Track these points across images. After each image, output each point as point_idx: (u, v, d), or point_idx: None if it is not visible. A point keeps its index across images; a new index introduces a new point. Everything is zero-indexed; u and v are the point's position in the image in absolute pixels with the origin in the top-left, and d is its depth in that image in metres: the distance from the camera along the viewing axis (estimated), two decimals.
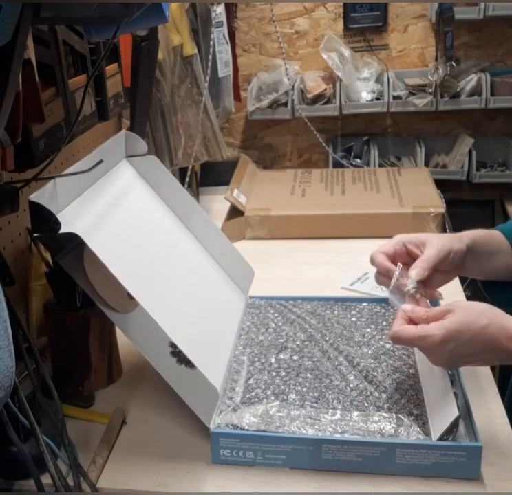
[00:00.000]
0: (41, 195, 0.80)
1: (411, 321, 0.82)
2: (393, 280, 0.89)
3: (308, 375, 0.93)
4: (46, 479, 0.75)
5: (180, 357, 0.84)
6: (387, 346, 0.99)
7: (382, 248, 0.93)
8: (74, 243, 0.85)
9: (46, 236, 0.82)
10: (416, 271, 0.87)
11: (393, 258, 0.92)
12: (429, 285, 0.90)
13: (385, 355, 0.97)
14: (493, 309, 0.80)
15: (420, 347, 0.81)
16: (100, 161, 0.93)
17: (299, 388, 0.90)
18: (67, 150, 1.19)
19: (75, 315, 0.95)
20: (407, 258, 0.92)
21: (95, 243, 0.82)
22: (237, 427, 0.83)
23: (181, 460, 0.84)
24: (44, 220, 0.79)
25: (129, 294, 0.85)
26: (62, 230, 0.79)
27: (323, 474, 0.81)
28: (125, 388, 1.01)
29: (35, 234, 0.82)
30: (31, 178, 0.85)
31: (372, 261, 0.92)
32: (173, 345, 0.84)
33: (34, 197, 0.78)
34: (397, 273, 0.88)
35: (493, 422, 0.88)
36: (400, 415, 0.83)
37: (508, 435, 0.85)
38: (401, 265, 0.89)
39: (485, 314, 0.78)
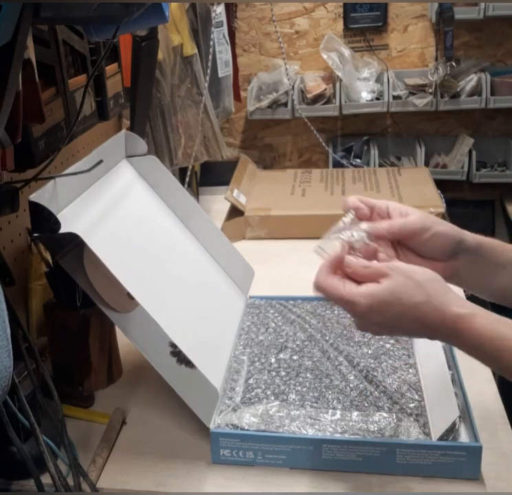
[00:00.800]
0: (41, 195, 0.80)
1: (344, 273, 0.71)
2: (337, 226, 0.76)
3: (308, 374, 0.93)
4: (46, 479, 0.75)
5: (180, 357, 0.84)
6: (387, 346, 0.99)
7: (364, 197, 0.79)
8: (74, 243, 0.85)
9: (46, 236, 0.82)
10: (370, 225, 0.74)
11: (370, 215, 0.78)
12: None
13: (385, 355, 0.97)
14: (437, 281, 0.69)
15: (345, 310, 0.72)
16: (100, 161, 0.93)
17: (299, 388, 0.90)
18: (67, 150, 1.19)
19: (75, 315, 0.95)
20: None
21: (95, 242, 0.82)
22: (237, 427, 0.83)
23: (181, 460, 0.84)
24: (44, 220, 0.79)
25: (128, 294, 0.85)
26: (62, 230, 0.79)
27: (323, 474, 0.81)
28: (125, 388, 1.01)
29: (35, 234, 0.82)
30: (31, 178, 0.85)
31: (344, 204, 0.78)
32: (173, 345, 0.84)
33: (34, 197, 0.78)
34: (345, 220, 0.76)
35: (493, 422, 0.88)
36: (400, 415, 0.83)
37: (508, 435, 0.85)
38: (353, 214, 0.76)
39: (424, 287, 0.68)
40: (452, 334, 0.68)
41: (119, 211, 0.97)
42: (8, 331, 0.58)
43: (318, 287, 0.71)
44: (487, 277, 0.79)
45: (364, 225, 0.74)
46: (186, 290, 1.02)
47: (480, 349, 0.67)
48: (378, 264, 0.70)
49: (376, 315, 0.68)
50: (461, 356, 0.93)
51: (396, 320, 0.69)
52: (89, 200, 0.92)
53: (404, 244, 0.77)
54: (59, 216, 0.80)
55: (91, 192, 0.93)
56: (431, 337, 0.71)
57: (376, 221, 0.76)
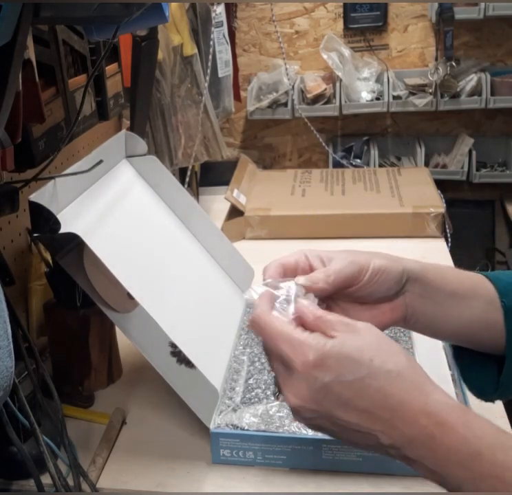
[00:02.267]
0: (41, 195, 0.80)
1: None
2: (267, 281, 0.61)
3: None
4: (46, 479, 0.75)
5: (180, 357, 0.84)
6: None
7: (281, 259, 0.65)
8: (74, 243, 0.85)
9: (46, 236, 0.82)
10: (306, 277, 0.60)
11: (294, 272, 0.63)
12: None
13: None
14: (414, 367, 0.52)
15: (280, 360, 0.53)
16: (100, 161, 0.93)
17: None
18: (67, 150, 1.19)
19: (75, 315, 0.95)
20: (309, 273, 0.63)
21: (95, 242, 0.82)
22: (237, 427, 0.83)
23: (181, 460, 0.84)
24: (44, 220, 0.79)
25: (128, 294, 0.85)
26: (62, 230, 0.79)
27: (323, 474, 0.81)
28: (125, 388, 1.01)
29: (35, 234, 0.82)
30: (31, 178, 0.85)
31: (264, 272, 0.63)
32: (173, 345, 0.84)
33: (34, 197, 0.78)
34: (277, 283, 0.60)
35: (493, 422, 0.88)
36: None
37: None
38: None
39: (404, 357, 0.52)
40: (431, 434, 0.49)
41: (119, 211, 0.97)
42: (9, 331, 0.58)
43: (254, 321, 0.55)
44: (445, 310, 0.63)
45: (301, 280, 0.60)
46: (186, 290, 1.02)
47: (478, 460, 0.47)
48: (342, 317, 0.54)
49: (331, 372, 0.50)
50: None
51: (356, 390, 0.50)
52: (89, 200, 0.92)
53: (338, 295, 0.62)
54: (59, 216, 0.80)
55: (91, 192, 0.93)
56: (394, 439, 0.50)
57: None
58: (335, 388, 0.50)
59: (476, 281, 0.65)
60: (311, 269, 0.63)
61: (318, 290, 0.59)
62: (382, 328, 0.60)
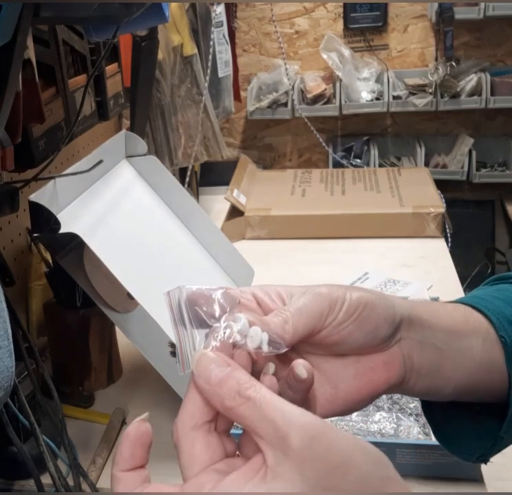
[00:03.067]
0: (41, 195, 0.80)
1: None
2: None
3: None
4: (46, 479, 0.75)
5: None
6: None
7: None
8: (74, 243, 0.85)
9: (46, 236, 0.82)
10: (258, 317, 0.41)
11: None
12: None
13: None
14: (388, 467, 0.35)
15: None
16: (100, 161, 0.93)
17: None
18: (67, 150, 1.19)
19: (75, 315, 0.95)
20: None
21: (95, 242, 0.82)
22: (237, 427, 0.83)
23: None
24: (44, 220, 0.79)
25: (128, 294, 0.85)
26: (63, 230, 0.79)
27: None
28: (125, 388, 1.01)
29: (35, 234, 0.82)
30: (31, 178, 0.85)
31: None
32: (173, 345, 0.84)
33: (34, 197, 0.78)
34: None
35: None
36: (400, 415, 0.83)
37: None
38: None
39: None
40: None
41: (119, 211, 0.97)
42: (9, 331, 0.58)
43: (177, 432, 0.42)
44: (447, 357, 0.48)
45: (276, 321, 0.42)
46: None
47: None
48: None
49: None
50: None
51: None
52: (89, 200, 0.92)
53: (303, 345, 0.44)
54: (59, 216, 0.80)
55: (91, 192, 0.93)
56: None
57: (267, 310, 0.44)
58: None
59: (465, 313, 0.51)
60: (264, 310, 0.44)
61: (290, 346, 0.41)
62: (375, 396, 0.45)
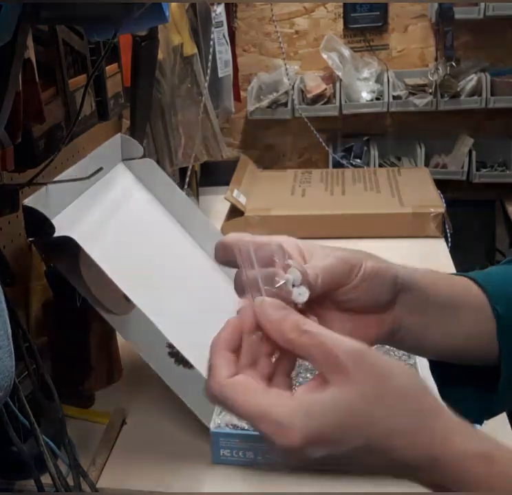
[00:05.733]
0: (36, 199, 0.80)
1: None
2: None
3: (308, 375, 0.93)
4: (46, 479, 0.75)
5: (178, 357, 0.84)
6: (387, 346, 0.99)
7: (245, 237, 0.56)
8: (69, 247, 0.85)
9: (41, 239, 0.82)
10: (298, 265, 0.48)
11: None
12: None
13: (385, 354, 0.97)
14: (426, 389, 0.43)
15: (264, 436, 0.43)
16: (100, 169, 0.93)
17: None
18: (67, 150, 1.19)
19: (75, 315, 0.95)
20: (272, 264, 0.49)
21: (90, 245, 0.82)
22: (237, 427, 0.83)
23: (181, 460, 0.84)
24: (39, 224, 0.79)
25: (125, 296, 0.85)
26: (58, 234, 0.79)
27: (323, 474, 0.81)
28: (125, 388, 1.01)
29: (30, 239, 0.82)
30: (26, 182, 0.84)
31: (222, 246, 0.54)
32: (171, 346, 0.84)
33: (28, 201, 0.78)
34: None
35: (493, 422, 0.87)
36: None
37: (509, 435, 0.85)
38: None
39: (412, 400, 0.42)
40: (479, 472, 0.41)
41: (116, 214, 0.97)
42: (9, 331, 0.58)
43: (213, 390, 0.44)
44: (433, 326, 0.54)
45: (294, 263, 0.48)
46: (185, 291, 1.02)
47: None
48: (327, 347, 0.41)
49: (325, 448, 0.41)
50: None
51: (363, 455, 0.43)
52: (85, 204, 0.92)
53: (322, 299, 0.50)
54: (55, 220, 0.80)
55: (87, 195, 0.93)
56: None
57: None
58: (336, 459, 0.43)
59: (465, 286, 0.56)
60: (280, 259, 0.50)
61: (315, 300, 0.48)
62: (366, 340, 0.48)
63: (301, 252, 0.52)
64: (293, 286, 0.46)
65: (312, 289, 0.47)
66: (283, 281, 0.46)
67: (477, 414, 0.59)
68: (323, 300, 0.50)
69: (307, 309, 0.47)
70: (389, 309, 0.53)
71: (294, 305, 0.46)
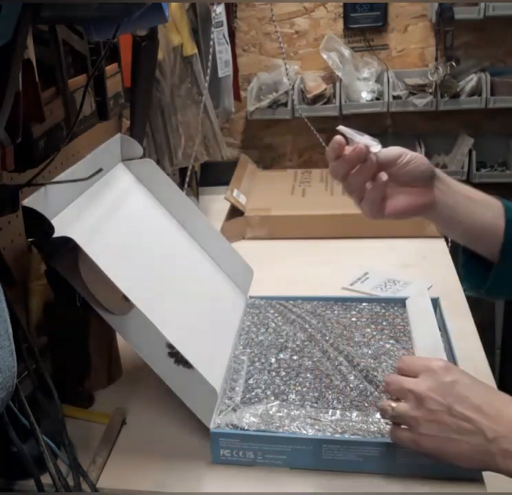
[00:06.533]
0: (35, 200, 0.80)
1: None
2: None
3: (308, 374, 0.93)
4: (46, 479, 0.75)
5: (178, 357, 0.84)
6: (387, 346, 1.00)
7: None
8: (68, 247, 0.85)
9: (40, 240, 0.82)
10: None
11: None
12: (386, 194, 0.85)
13: (385, 355, 0.97)
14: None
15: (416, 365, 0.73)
16: (100, 170, 0.93)
17: (299, 388, 0.90)
18: (67, 150, 1.19)
19: (75, 315, 0.95)
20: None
21: (89, 245, 0.82)
22: (237, 427, 0.83)
23: (181, 460, 0.84)
24: (38, 224, 0.79)
25: (125, 296, 0.85)
26: (57, 234, 0.79)
27: (323, 473, 0.81)
28: (125, 388, 1.01)
29: (29, 239, 0.82)
30: (27, 181, 0.84)
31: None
32: (171, 346, 0.84)
33: (27, 202, 0.78)
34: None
35: None
36: None
37: None
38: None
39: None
40: None
41: (116, 214, 0.97)
42: (10, 330, 0.58)
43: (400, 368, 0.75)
44: (460, 209, 0.86)
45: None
46: (185, 291, 1.02)
47: None
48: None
49: (455, 375, 0.69)
50: (461, 356, 0.93)
51: (472, 390, 0.68)
52: (85, 204, 0.92)
53: (388, 181, 0.84)
54: (54, 221, 0.80)
55: (87, 196, 0.93)
56: (498, 432, 0.65)
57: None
58: (457, 386, 0.67)
59: (490, 197, 0.88)
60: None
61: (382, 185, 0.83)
62: (416, 211, 0.86)
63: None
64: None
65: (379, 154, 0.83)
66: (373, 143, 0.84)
67: (474, 288, 0.93)
68: (389, 182, 0.83)
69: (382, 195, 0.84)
70: (429, 186, 0.85)
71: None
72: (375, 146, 0.83)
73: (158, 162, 1.50)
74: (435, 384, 0.68)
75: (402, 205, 0.85)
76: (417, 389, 0.69)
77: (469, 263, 0.91)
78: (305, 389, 0.90)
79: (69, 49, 1.03)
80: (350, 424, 0.82)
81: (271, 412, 0.85)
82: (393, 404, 0.71)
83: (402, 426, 0.73)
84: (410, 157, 0.84)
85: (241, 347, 1.02)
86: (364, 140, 0.83)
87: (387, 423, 0.80)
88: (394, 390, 0.72)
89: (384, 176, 0.82)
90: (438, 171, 0.86)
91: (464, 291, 1.25)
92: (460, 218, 0.86)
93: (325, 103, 2.23)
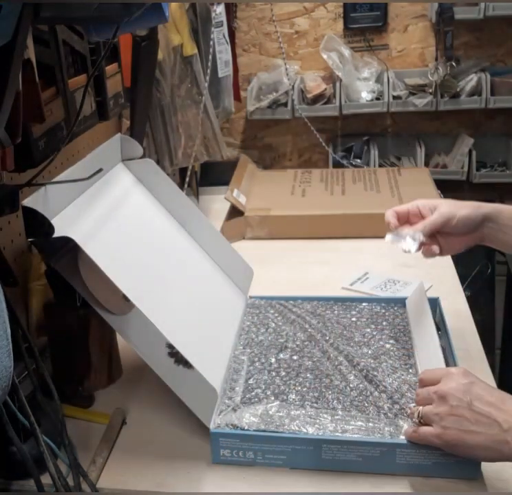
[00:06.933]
0: (35, 200, 0.80)
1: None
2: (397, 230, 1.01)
3: (308, 374, 0.93)
4: (46, 479, 0.75)
5: (178, 357, 0.84)
6: (387, 346, 1.00)
7: (397, 207, 1.03)
8: (68, 247, 0.85)
9: (40, 240, 0.82)
10: (413, 229, 0.99)
11: (406, 218, 1.02)
12: (442, 245, 0.99)
13: (385, 355, 0.97)
14: None
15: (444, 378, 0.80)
16: (100, 170, 0.93)
17: (299, 388, 0.90)
18: (67, 150, 1.19)
19: (75, 315, 0.95)
20: (419, 219, 1.01)
21: (89, 245, 0.82)
22: (237, 427, 0.83)
23: (181, 460, 0.84)
24: (38, 224, 0.79)
25: (124, 296, 0.85)
26: (57, 234, 0.79)
27: (323, 474, 0.81)
28: (125, 388, 1.01)
29: (29, 239, 0.82)
30: (27, 181, 0.84)
31: (387, 220, 1.01)
32: (171, 346, 0.84)
33: (27, 202, 0.78)
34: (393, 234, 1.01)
35: None
36: (400, 415, 0.83)
37: None
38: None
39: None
40: None
41: (115, 214, 0.97)
42: (8, 331, 0.58)
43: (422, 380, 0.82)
44: (507, 236, 0.97)
45: (419, 227, 0.98)
46: (186, 291, 1.02)
47: None
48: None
49: (472, 378, 0.77)
50: (461, 356, 0.93)
51: (488, 390, 0.76)
52: (85, 204, 0.92)
53: (439, 230, 0.99)
54: (54, 221, 0.80)
55: (87, 196, 0.93)
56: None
57: (415, 223, 1.00)
58: (474, 386, 0.76)
59: None
60: (421, 215, 1.00)
61: (428, 233, 0.98)
62: (467, 247, 1.00)
63: (430, 209, 1.00)
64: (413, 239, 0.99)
65: (424, 234, 0.98)
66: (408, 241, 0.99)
67: None
68: (442, 232, 0.99)
69: (433, 239, 0.99)
70: (478, 232, 0.98)
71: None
72: (413, 245, 0.98)
73: (158, 162, 1.50)
74: (455, 385, 0.77)
75: (454, 247, 1.01)
76: (440, 389, 0.77)
77: None
78: (305, 389, 0.90)
79: (69, 49, 1.03)
80: (350, 424, 0.82)
81: (271, 412, 0.85)
82: (420, 408, 0.79)
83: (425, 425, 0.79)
84: (457, 221, 0.96)
85: (241, 347, 1.02)
86: (406, 244, 0.99)
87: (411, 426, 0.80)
88: (423, 399, 0.79)
89: (436, 249, 0.99)
90: (488, 212, 0.97)
91: (464, 290, 1.26)
92: (504, 242, 0.98)
93: (325, 103, 2.23)
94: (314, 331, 1.04)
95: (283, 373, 0.94)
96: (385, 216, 1.01)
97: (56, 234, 0.79)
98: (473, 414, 0.74)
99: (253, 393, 0.89)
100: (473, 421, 0.74)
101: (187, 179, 1.61)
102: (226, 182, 1.68)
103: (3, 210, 0.78)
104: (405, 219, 1.01)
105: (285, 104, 2.25)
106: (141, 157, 1.09)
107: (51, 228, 0.79)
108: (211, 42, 1.62)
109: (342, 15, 2.28)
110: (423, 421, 0.78)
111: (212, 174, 1.93)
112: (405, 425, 0.81)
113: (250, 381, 0.92)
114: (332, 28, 2.31)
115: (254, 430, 0.83)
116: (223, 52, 1.72)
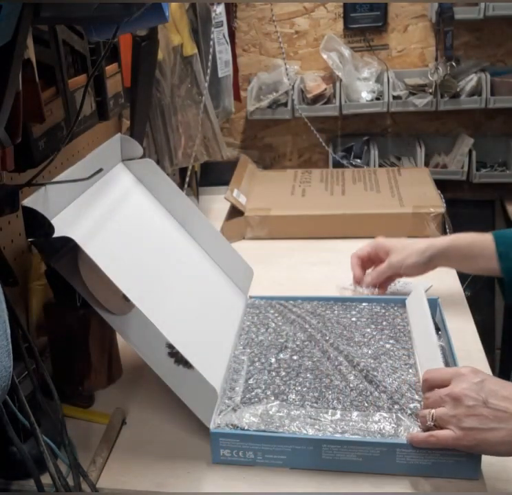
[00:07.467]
0: (35, 200, 0.80)
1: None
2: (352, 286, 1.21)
3: (308, 375, 0.93)
4: (46, 479, 0.75)
5: (178, 357, 0.84)
6: (387, 346, 1.00)
7: (359, 251, 1.20)
8: (68, 247, 0.85)
9: (40, 240, 0.82)
10: (365, 284, 1.19)
11: (367, 261, 1.20)
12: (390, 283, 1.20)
13: (385, 355, 0.97)
14: None
15: (453, 377, 0.80)
16: (100, 170, 0.93)
17: (299, 388, 0.90)
18: (67, 150, 1.19)
19: (75, 315, 0.95)
20: (378, 261, 1.18)
21: (89, 245, 0.82)
22: (237, 427, 0.83)
23: (181, 460, 0.84)
24: (38, 224, 0.79)
25: (124, 296, 0.85)
26: (57, 234, 0.79)
27: (323, 474, 0.81)
28: (125, 388, 1.01)
29: (29, 239, 0.82)
30: (27, 181, 0.84)
31: (352, 268, 1.20)
32: (171, 346, 0.84)
33: (27, 202, 0.78)
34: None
35: None
36: (400, 415, 0.83)
37: None
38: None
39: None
40: None
41: (115, 214, 0.97)
42: (8, 331, 0.58)
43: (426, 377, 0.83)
44: (460, 266, 1.17)
45: (364, 286, 1.20)
46: (185, 291, 1.02)
47: None
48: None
49: (483, 375, 0.78)
50: (461, 356, 0.93)
51: (501, 385, 0.77)
52: (85, 204, 0.92)
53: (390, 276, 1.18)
54: (54, 221, 0.80)
55: (87, 196, 0.93)
56: None
57: (380, 261, 1.18)
58: (486, 383, 0.76)
59: (485, 245, 1.10)
60: (379, 259, 1.18)
61: (381, 280, 1.18)
62: (420, 274, 1.16)
63: (386, 253, 1.17)
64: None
65: (374, 285, 1.18)
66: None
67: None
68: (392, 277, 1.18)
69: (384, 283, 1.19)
70: (430, 267, 1.13)
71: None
72: (366, 291, 1.19)
73: (158, 162, 1.50)
74: (467, 385, 0.76)
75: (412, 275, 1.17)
76: (452, 391, 0.77)
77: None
78: (305, 389, 0.90)
79: (69, 49, 1.03)
80: (350, 424, 0.82)
81: (271, 412, 0.85)
82: (432, 410, 0.78)
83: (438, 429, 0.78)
84: (406, 270, 1.14)
85: (241, 347, 1.02)
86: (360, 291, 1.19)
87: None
88: (434, 402, 0.78)
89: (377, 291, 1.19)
90: (436, 252, 1.12)
91: (464, 290, 1.26)
92: (458, 269, 1.20)
93: (325, 103, 2.23)
94: (314, 331, 1.04)
95: (283, 373, 0.94)
96: (350, 263, 1.20)
97: (56, 234, 0.79)
98: (491, 411, 0.74)
99: (253, 393, 0.89)
100: (492, 417, 0.74)
101: (187, 179, 1.62)
102: (226, 182, 1.68)
103: (3, 210, 0.78)
104: (367, 262, 1.20)
105: (285, 104, 2.25)
106: (141, 157, 1.09)
107: (51, 228, 0.79)
108: (211, 42, 1.62)
109: (342, 15, 2.28)
110: (437, 424, 0.77)
111: (212, 174, 1.93)
112: (416, 429, 0.81)
113: (250, 381, 0.92)
114: (332, 28, 2.31)
115: (254, 430, 0.83)
116: (223, 52, 1.72)
